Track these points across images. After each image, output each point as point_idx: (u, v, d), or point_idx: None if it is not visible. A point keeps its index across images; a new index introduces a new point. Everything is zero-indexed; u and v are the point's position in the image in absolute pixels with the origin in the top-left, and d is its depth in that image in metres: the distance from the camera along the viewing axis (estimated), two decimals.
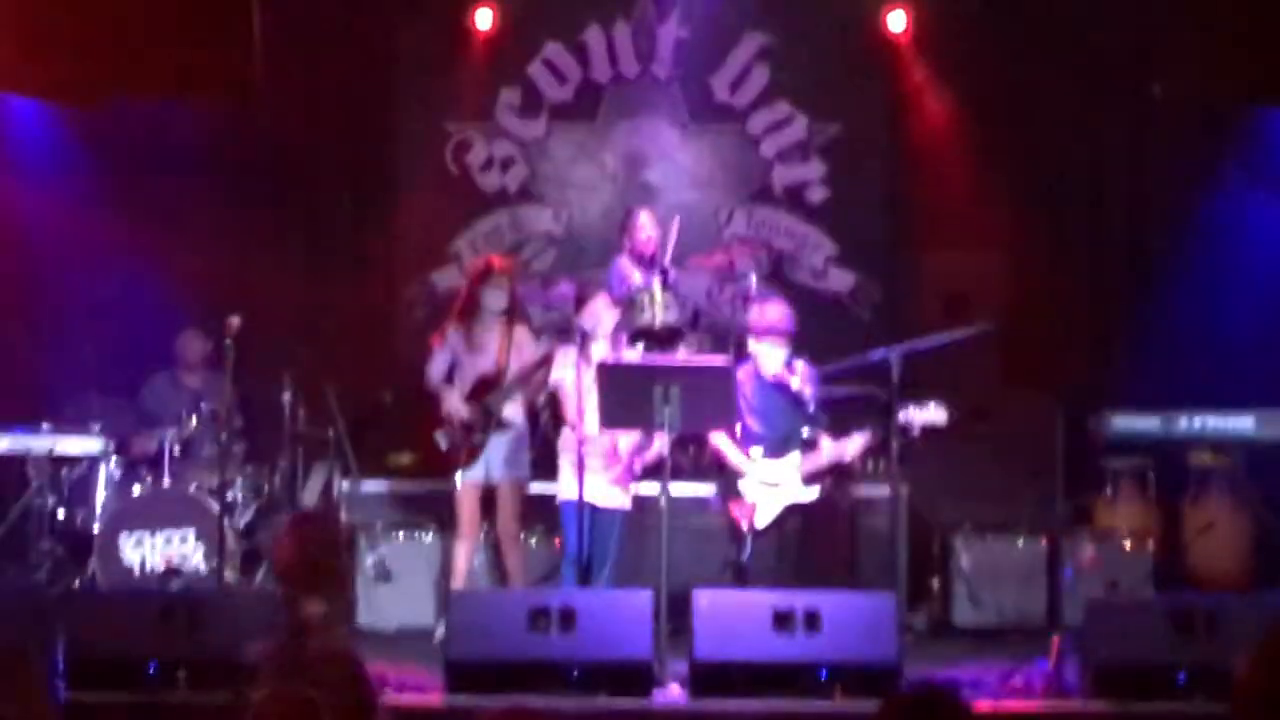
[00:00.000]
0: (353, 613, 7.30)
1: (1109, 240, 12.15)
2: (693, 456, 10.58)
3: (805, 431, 9.34)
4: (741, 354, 9.86)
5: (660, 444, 8.88)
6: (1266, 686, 4.00)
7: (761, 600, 8.18)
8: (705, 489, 9.70)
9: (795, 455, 9.24)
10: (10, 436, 10.18)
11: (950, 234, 12.16)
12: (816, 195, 12.43)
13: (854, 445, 9.24)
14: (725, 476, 9.32)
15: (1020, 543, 10.33)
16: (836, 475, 9.63)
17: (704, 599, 8.09)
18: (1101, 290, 12.12)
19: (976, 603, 10.21)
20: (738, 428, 9.17)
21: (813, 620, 7.97)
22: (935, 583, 10.40)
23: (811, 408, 9.34)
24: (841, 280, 12.39)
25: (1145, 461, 10.73)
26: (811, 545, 9.34)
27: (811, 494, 9.24)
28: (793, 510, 9.20)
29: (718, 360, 9.80)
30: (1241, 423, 10.26)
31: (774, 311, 9.38)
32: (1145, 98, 11.69)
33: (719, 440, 9.31)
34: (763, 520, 9.15)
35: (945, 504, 10.46)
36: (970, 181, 11.96)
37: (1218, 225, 11.36)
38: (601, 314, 9.32)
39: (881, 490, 10.01)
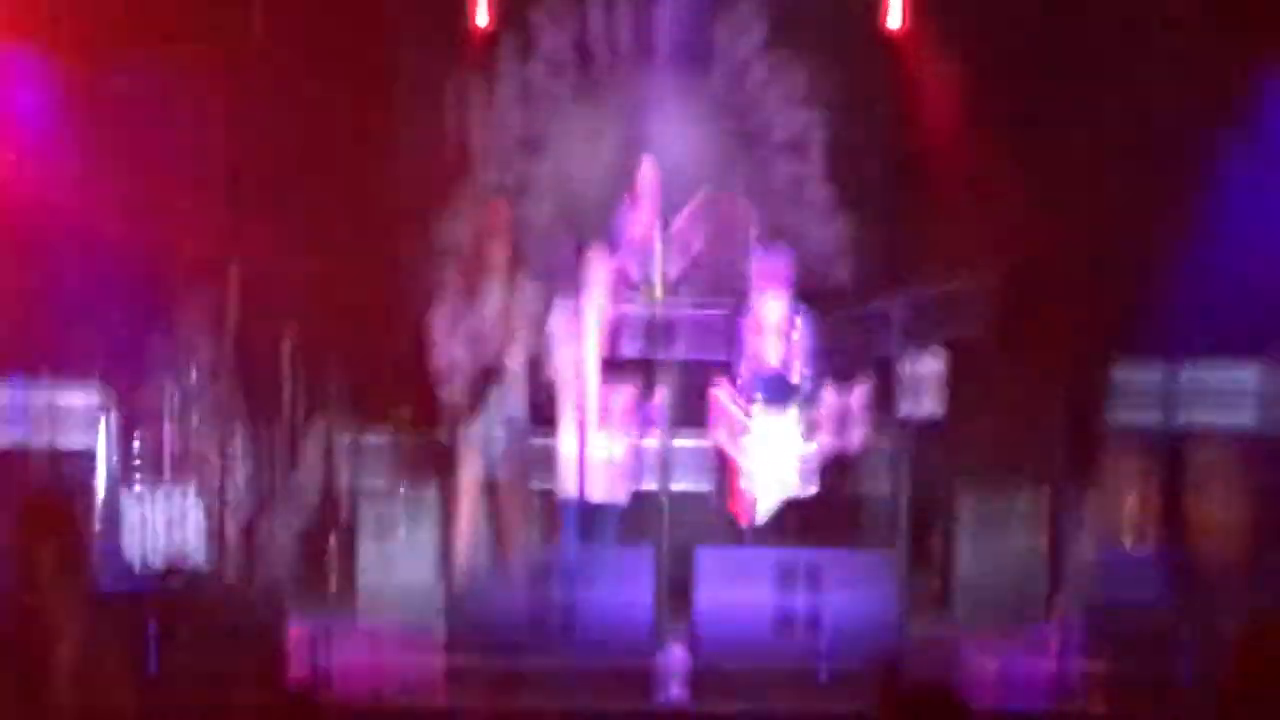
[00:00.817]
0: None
1: (1111, 232, 12.10)
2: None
3: (807, 385, 9.33)
4: (742, 306, 9.84)
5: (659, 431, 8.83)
6: (1247, 688, 4.02)
7: (764, 557, 8.21)
8: (706, 442, 9.66)
9: (795, 410, 9.23)
10: (9, 387, 10.16)
11: (949, 230, 12.10)
12: (815, 187, 12.40)
13: (854, 398, 9.23)
14: (722, 474, 9.31)
15: (1023, 501, 10.34)
16: (835, 430, 9.63)
17: (707, 557, 8.12)
18: (1103, 280, 12.06)
19: (976, 591, 10.21)
20: (739, 386, 9.16)
21: (814, 577, 7.99)
22: (937, 541, 10.42)
23: (812, 360, 9.33)
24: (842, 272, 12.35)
25: (1148, 416, 10.73)
26: (812, 510, 9.35)
27: (812, 448, 9.22)
28: (791, 506, 9.17)
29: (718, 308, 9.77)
30: (1241, 376, 10.23)
31: (775, 263, 9.36)
32: (1145, 94, 11.64)
33: (720, 395, 9.29)
34: (761, 515, 9.15)
35: (947, 462, 10.47)
36: (969, 175, 11.91)
37: (1219, 220, 11.33)
38: (597, 292, 9.27)
39: (882, 447, 9.99)
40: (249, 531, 10.31)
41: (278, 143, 11.94)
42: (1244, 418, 10.40)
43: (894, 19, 12.16)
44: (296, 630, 8.10)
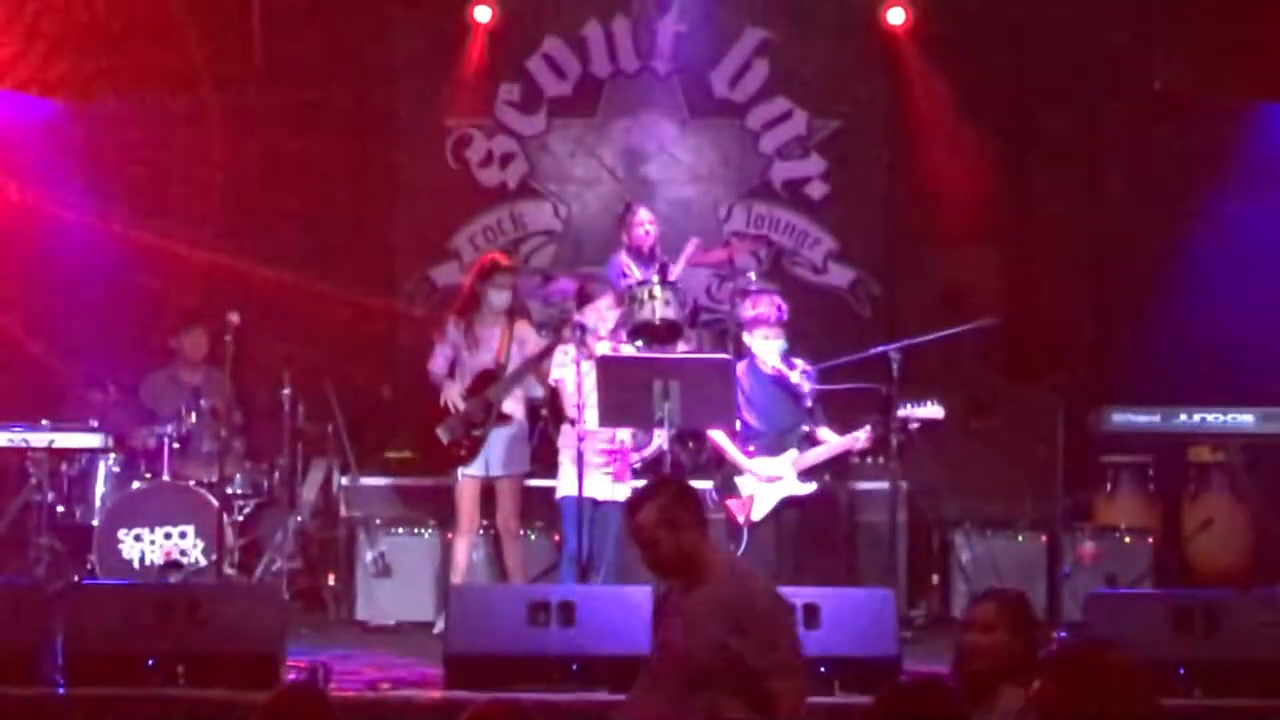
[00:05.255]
0: None
1: (1108, 235, 12.16)
2: (693, 452, 10.58)
3: (804, 427, 9.33)
4: (741, 350, 9.86)
5: (660, 439, 8.87)
6: (1057, 695, 4.05)
7: None
8: (705, 484, 9.68)
9: (793, 451, 9.24)
10: (10, 431, 10.16)
11: (950, 230, 12.16)
12: (816, 191, 12.43)
13: (854, 441, 9.24)
14: (722, 473, 9.32)
15: (1020, 538, 10.35)
16: (835, 470, 9.63)
17: None
18: (1101, 285, 12.13)
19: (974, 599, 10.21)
20: (736, 424, 9.16)
21: (812, 616, 7.96)
22: (935, 577, 10.42)
23: (810, 403, 9.34)
24: (841, 276, 12.39)
25: (1145, 457, 10.74)
26: (808, 539, 9.34)
27: (809, 488, 9.24)
28: (789, 503, 9.19)
29: (717, 355, 9.80)
30: (1241, 419, 10.23)
31: (763, 303, 9.40)
32: (1146, 93, 11.71)
33: (718, 436, 9.30)
34: (759, 514, 9.15)
35: (945, 499, 10.47)
36: (970, 177, 11.95)
37: (1218, 220, 11.35)
38: (605, 312, 9.33)
39: (881, 485, 10.02)
40: (248, 569, 10.31)
41: (276, 186, 12.02)
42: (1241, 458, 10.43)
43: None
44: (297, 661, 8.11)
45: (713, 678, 5.39)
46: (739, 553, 9.13)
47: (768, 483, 9.19)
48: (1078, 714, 4.00)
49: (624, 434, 9.29)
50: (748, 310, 9.45)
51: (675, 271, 10.69)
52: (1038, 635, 5.43)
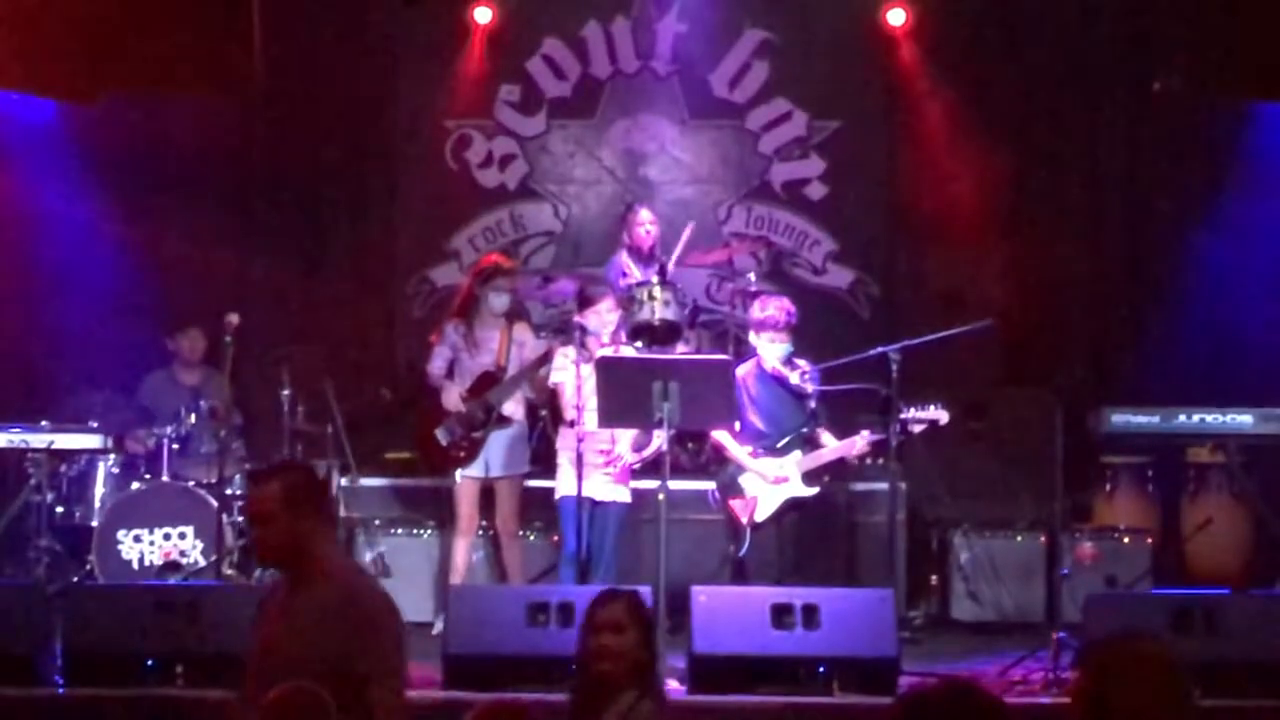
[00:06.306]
0: None
1: (1107, 236, 12.17)
2: (693, 453, 10.59)
3: (806, 429, 9.34)
4: (741, 351, 9.86)
5: (660, 440, 8.87)
6: (1095, 690, 4.03)
7: (760, 596, 8.18)
8: (705, 485, 9.69)
9: (797, 453, 9.24)
10: (9, 432, 10.16)
11: (949, 231, 12.16)
12: (816, 192, 12.44)
13: (857, 444, 9.24)
14: (725, 473, 9.33)
15: (1019, 539, 10.36)
16: (834, 471, 9.64)
17: (702, 595, 8.09)
18: (1100, 286, 12.14)
19: (975, 598, 10.23)
20: (738, 425, 9.17)
21: (811, 616, 7.97)
22: (934, 578, 10.42)
23: (813, 404, 9.35)
24: (840, 277, 12.40)
25: (1144, 458, 10.75)
26: (808, 539, 9.35)
27: (812, 491, 9.25)
28: (792, 505, 9.20)
29: (717, 356, 9.80)
30: (1240, 420, 10.23)
31: (772, 306, 9.40)
32: (1144, 93, 11.72)
33: (722, 436, 9.31)
34: (762, 515, 9.16)
35: (944, 500, 10.48)
36: (969, 178, 11.96)
37: (1216, 221, 11.36)
38: (605, 315, 9.32)
39: (880, 486, 10.02)
40: (248, 569, 10.31)
41: (275, 186, 12.03)
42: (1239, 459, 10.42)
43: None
44: None
45: (313, 680, 5.23)
46: (740, 553, 9.15)
47: (774, 484, 9.19)
48: (1120, 708, 3.97)
49: (622, 445, 9.28)
50: (756, 311, 9.46)
51: (673, 261, 10.66)
52: (655, 637, 5.46)
